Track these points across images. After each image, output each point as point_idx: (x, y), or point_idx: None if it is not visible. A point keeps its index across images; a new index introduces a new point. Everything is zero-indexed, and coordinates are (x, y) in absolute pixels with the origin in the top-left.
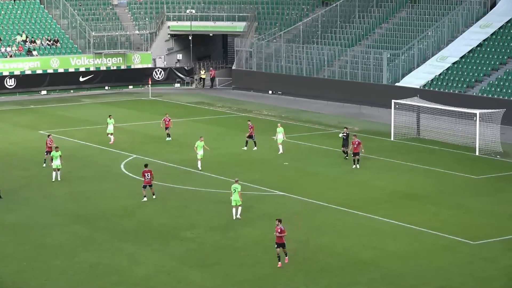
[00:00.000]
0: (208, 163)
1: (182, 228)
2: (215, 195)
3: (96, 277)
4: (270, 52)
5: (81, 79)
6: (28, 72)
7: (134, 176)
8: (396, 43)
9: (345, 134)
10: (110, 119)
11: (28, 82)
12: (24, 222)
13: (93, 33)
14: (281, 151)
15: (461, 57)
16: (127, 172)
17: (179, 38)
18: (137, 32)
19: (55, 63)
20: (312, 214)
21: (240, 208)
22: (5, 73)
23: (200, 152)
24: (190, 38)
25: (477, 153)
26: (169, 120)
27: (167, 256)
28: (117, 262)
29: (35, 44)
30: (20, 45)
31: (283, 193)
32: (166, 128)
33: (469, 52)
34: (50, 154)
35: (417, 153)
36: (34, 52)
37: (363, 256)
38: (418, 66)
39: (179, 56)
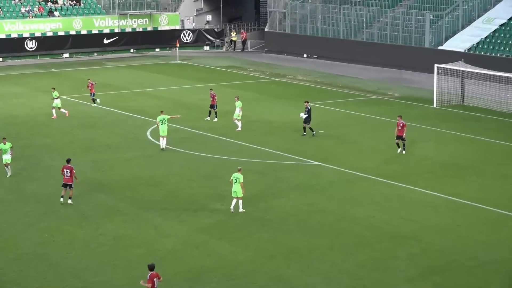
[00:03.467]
0: (239, 130)
1: (211, 199)
2: (246, 165)
3: (121, 250)
4: (305, 13)
5: (105, 41)
6: (49, 33)
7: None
8: (439, 3)
9: (307, 108)
10: (54, 92)
11: (50, 45)
12: (47, 191)
13: None
14: (239, 128)
15: (509, 19)
16: (153, 140)
17: None
18: None
19: (77, 24)
20: (348, 185)
21: (241, 202)
22: (26, 34)
23: (163, 128)
24: None
25: None
26: (92, 84)
27: (196, 228)
28: (143, 234)
29: (56, 4)
30: (41, 5)
31: (318, 163)
32: (91, 94)
33: None
34: None
35: (461, 121)
36: (56, 13)
37: (402, 229)
38: (463, 28)
39: (209, 17)
